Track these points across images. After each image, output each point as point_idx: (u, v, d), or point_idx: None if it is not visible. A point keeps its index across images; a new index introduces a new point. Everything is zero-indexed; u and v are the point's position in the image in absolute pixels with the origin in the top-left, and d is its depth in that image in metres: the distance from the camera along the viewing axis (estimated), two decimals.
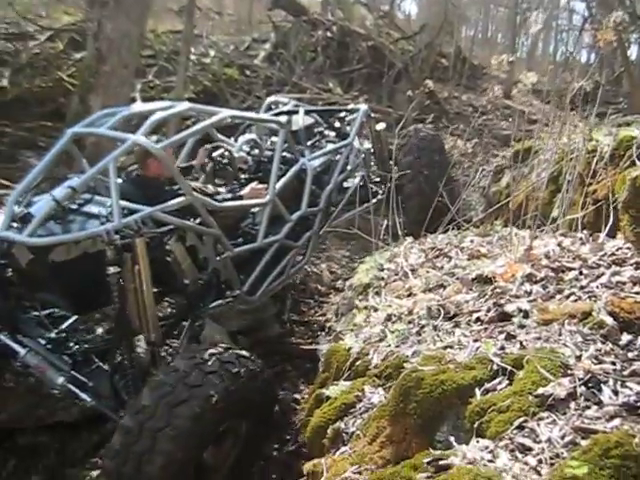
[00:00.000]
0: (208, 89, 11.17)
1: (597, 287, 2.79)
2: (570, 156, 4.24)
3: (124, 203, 3.98)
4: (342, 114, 7.43)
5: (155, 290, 4.25)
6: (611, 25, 4.10)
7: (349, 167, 6.58)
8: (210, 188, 5.54)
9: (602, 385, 2.01)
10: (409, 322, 3.12)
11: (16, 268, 3.89)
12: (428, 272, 3.85)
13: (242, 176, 5.82)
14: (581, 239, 3.62)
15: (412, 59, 14.99)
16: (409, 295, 3.61)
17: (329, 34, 15.07)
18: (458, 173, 5.42)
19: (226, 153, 5.73)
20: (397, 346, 2.92)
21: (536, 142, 5.18)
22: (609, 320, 2.39)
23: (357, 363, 3.05)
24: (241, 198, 5.06)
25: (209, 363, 3.42)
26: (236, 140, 6.26)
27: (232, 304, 5.37)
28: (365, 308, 3.81)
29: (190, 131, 4.87)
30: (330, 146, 6.60)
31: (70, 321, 4.31)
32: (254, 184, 5.27)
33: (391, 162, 6.60)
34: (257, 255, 5.17)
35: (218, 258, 4.69)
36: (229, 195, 5.30)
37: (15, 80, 10.23)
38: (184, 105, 4.83)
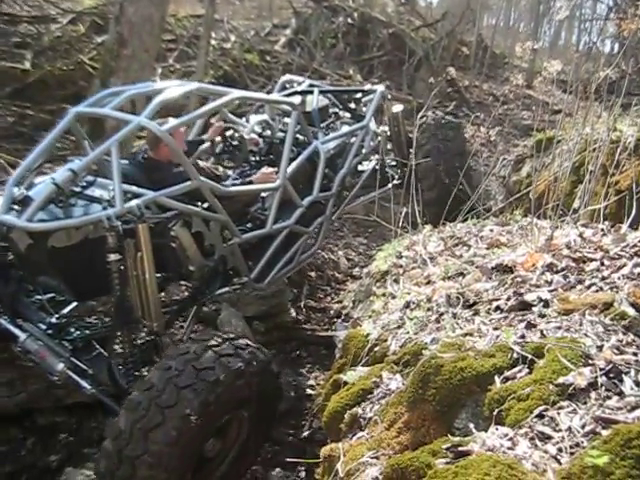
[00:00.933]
0: (228, 74, 11.19)
1: (619, 278, 2.76)
2: (593, 146, 4.19)
3: (127, 187, 3.87)
4: (358, 95, 7.20)
5: (159, 276, 4.16)
6: (636, 14, 4.03)
7: (364, 150, 6.41)
8: (220, 170, 5.50)
9: (623, 376, 1.99)
10: (428, 309, 3.12)
11: (16, 252, 3.82)
12: (447, 260, 3.84)
13: (253, 158, 5.71)
14: (603, 230, 3.58)
15: (433, 47, 14.93)
16: (428, 283, 3.60)
17: (350, 21, 15.03)
18: (479, 162, 5.38)
19: (236, 134, 5.56)
20: (415, 333, 2.92)
21: (558, 132, 5.13)
22: (631, 311, 2.37)
23: (375, 349, 3.05)
24: (251, 183, 4.94)
25: (203, 358, 3.24)
26: (247, 121, 6.11)
27: (240, 291, 5.32)
28: (383, 295, 3.81)
29: (199, 112, 4.69)
30: (345, 128, 6.43)
31: (71, 306, 4.20)
32: (265, 168, 5.14)
33: (410, 150, 6.43)
34: (266, 241, 5.03)
35: (225, 245, 4.57)
36: (238, 180, 5.21)
37: (37, 63, 10.31)
38: (192, 85, 4.66)
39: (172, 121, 4.32)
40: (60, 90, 10.04)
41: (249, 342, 3.56)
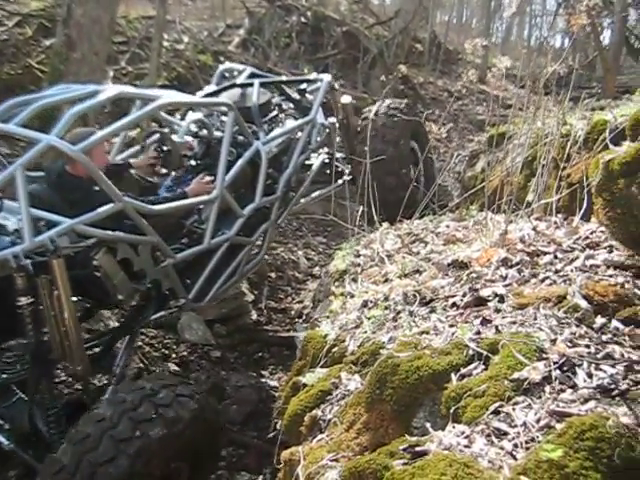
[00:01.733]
0: (182, 76, 11.07)
1: (572, 271, 2.80)
2: (544, 140, 4.24)
3: (40, 213, 3.45)
4: (303, 85, 6.61)
5: (83, 305, 3.92)
6: (584, 10, 4.10)
7: (311, 146, 5.98)
8: (151, 180, 4.98)
9: (577, 368, 2.02)
10: (385, 308, 3.12)
11: None
12: (404, 258, 3.85)
13: (191, 162, 5.19)
14: (556, 223, 3.63)
15: (387, 44, 15.00)
16: (385, 281, 3.60)
17: (303, 20, 15.02)
18: (434, 158, 5.41)
19: (168, 139, 4.98)
20: (373, 332, 2.92)
21: (510, 127, 5.19)
22: (583, 303, 2.40)
23: (334, 350, 3.03)
24: (184, 195, 4.47)
25: (140, 409, 2.99)
26: (183, 119, 5.62)
27: (178, 313, 4.96)
28: (342, 294, 3.80)
29: (122, 122, 4.15)
30: (289, 122, 5.93)
31: None
32: (199, 177, 4.70)
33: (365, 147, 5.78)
34: (205, 255, 4.61)
35: (158, 267, 4.15)
36: (173, 187, 4.82)
37: None
38: (113, 90, 4.10)
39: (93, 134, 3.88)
40: (8, 95, 9.77)
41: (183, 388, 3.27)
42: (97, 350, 4.14)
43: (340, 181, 6.26)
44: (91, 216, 3.60)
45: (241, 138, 5.17)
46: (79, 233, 3.59)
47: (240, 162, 4.83)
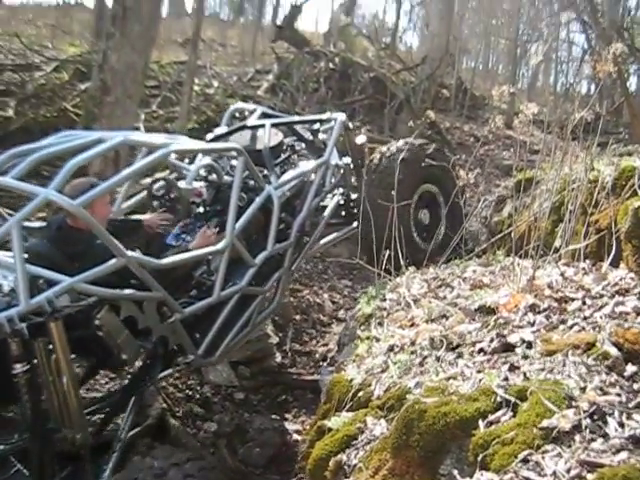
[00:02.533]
0: (211, 119, 11.25)
1: (601, 317, 2.77)
2: (572, 186, 4.24)
3: (37, 271, 3.29)
4: (316, 125, 6.29)
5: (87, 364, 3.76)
6: (610, 57, 4.13)
7: (325, 188, 5.79)
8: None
9: (607, 417, 1.98)
10: (412, 353, 3.10)
11: None
12: (431, 302, 3.83)
13: (199, 210, 4.98)
14: (584, 269, 3.61)
15: (414, 90, 15.16)
16: (412, 325, 3.59)
17: (331, 65, 15.25)
18: (461, 203, 5.40)
19: (175, 186, 4.84)
20: (400, 377, 2.89)
21: (538, 172, 5.19)
22: (613, 351, 2.37)
23: (359, 394, 3.01)
24: (187, 250, 4.27)
25: None
26: (192, 163, 5.43)
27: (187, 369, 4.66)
28: (367, 338, 3.78)
29: (125, 173, 4.03)
30: (302, 165, 5.69)
31: None
32: (203, 229, 4.53)
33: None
34: (215, 308, 4.36)
35: (165, 323, 3.95)
36: (182, 236, 4.68)
37: (20, 110, 10.34)
38: (116, 139, 3.87)
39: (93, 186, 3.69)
40: (43, 137, 10.04)
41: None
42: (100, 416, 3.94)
43: (355, 223, 5.99)
44: (92, 273, 3.42)
45: (252, 182, 5.00)
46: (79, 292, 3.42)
47: (251, 208, 4.64)
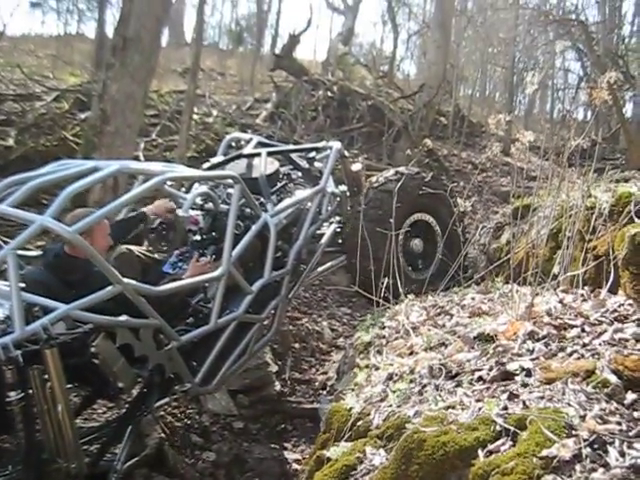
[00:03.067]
0: (210, 148, 11.31)
1: (600, 344, 2.77)
2: (569, 213, 4.26)
3: (33, 298, 3.31)
4: (312, 154, 6.39)
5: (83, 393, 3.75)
6: (605, 84, 4.17)
7: (322, 215, 5.88)
8: (155, 254, 4.86)
9: (608, 446, 1.97)
10: (411, 381, 3.09)
11: None
12: (429, 330, 3.83)
13: (195, 238, 5.05)
14: (582, 296, 3.61)
15: (411, 118, 15.25)
16: (411, 353, 3.58)
17: (329, 94, 15.36)
18: (459, 231, 5.41)
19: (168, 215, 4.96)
20: (399, 406, 2.88)
21: (535, 199, 5.21)
22: (613, 378, 2.36)
23: (358, 423, 2.99)
24: (180, 279, 4.28)
25: None
26: (188, 191, 5.55)
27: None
28: (366, 367, 3.77)
29: (121, 200, 4.03)
30: (299, 193, 5.78)
31: None
32: (194, 259, 4.58)
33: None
34: (212, 335, 4.39)
35: (161, 351, 3.95)
36: (178, 263, 4.72)
37: (21, 139, 10.40)
38: (112, 167, 3.92)
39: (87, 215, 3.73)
40: (42, 166, 10.09)
41: None
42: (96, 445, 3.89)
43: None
44: (88, 300, 3.44)
45: (249, 210, 5.03)
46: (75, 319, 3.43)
47: (248, 236, 4.67)
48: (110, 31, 15.34)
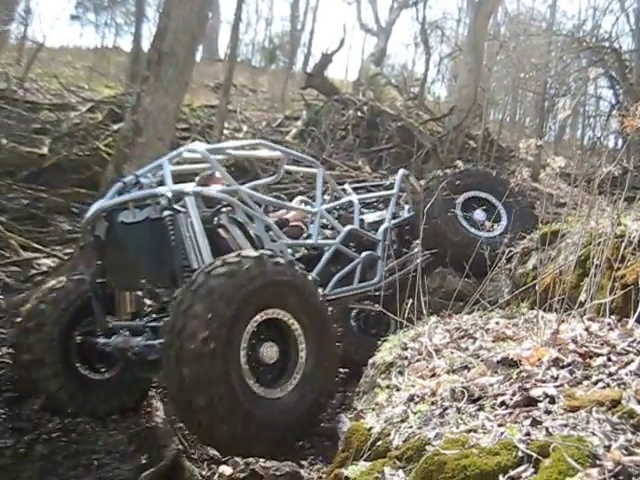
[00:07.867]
0: (239, 163, 11.41)
1: (626, 374, 2.72)
2: (598, 240, 4.21)
3: None
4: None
5: None
6: (638, 112, 4.14)
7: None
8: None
9: (633, 478, 1.94)
10: (432, 403, 3.06)
11: None
12: (452, 353, 3.80)
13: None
14: (609, 324, 3.55)
15: (441, 140, 15.23)
16: (433, 375, 3.55)
17: (360, 113, 15.43)
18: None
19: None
20: (419, 428, 2.85)
21: (564, 225, 5.17)
22: (639, 409, 2.32)
23: (378, 443, 2.97)
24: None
25: None
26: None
27: None
28: (387, 387, 3.75)
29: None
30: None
31: None
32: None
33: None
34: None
35: None
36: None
37: (54, 148, 10.60)
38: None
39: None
40: (74, 174, 10.30)
41: None
42: None
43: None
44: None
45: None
46: None
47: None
48: (145, 45, 15.60)
